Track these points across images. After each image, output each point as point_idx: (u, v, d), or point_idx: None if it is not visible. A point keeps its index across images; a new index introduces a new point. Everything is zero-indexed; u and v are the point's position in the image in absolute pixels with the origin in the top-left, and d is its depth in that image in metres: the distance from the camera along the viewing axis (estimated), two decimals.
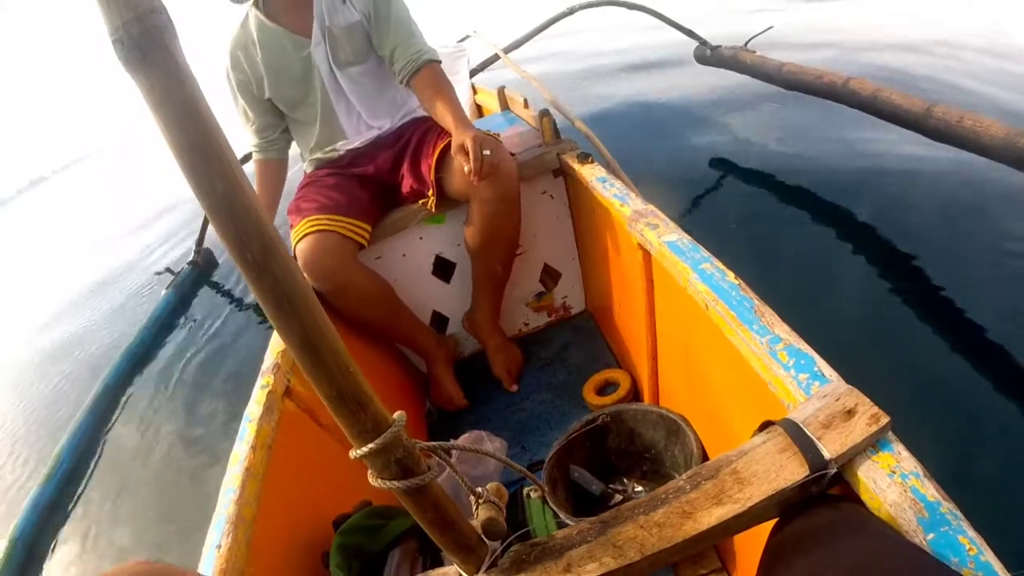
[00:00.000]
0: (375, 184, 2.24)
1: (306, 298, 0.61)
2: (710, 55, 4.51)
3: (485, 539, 0.84)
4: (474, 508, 0.85)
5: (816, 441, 0.85)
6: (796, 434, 0.87)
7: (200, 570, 1.09)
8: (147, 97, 0.53)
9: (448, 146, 2.01)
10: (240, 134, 2.10)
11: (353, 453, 0.69)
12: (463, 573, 0.85)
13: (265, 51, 2.07)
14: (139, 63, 0.52)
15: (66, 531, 3.04)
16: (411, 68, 2.09)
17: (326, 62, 2.10)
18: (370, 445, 0.67)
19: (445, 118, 2.01)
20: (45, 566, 2.86)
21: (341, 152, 2.25)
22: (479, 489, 0.86)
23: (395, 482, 0.70)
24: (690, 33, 4.61)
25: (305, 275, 1.86)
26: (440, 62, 2.14)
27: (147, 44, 0.52)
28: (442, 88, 2.08)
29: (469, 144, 1.83)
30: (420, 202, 2.20)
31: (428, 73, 2.09)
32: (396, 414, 0.70)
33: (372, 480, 0.72)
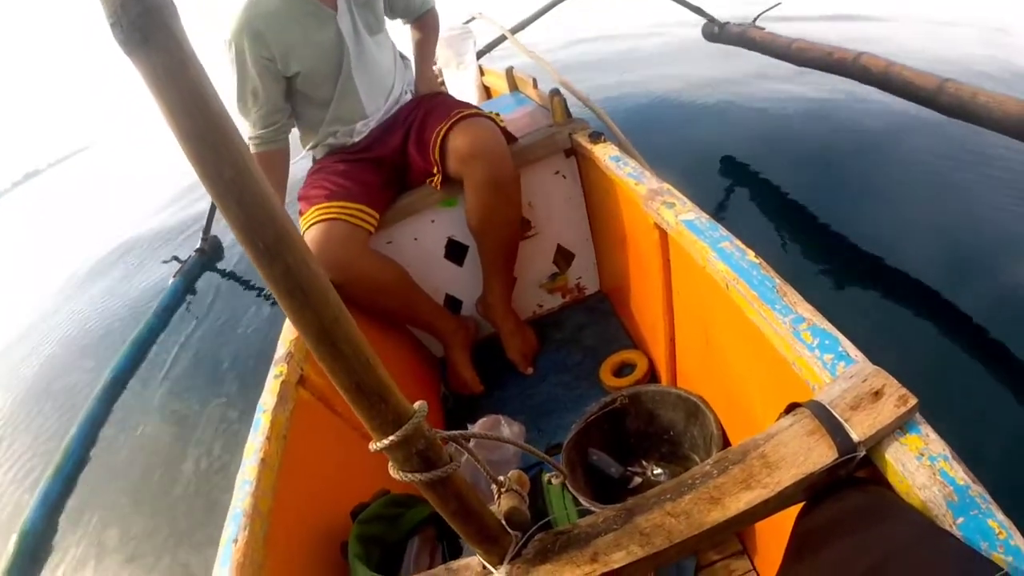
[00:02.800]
0: (387, 168, 2.21)
1: (322, 287, 0.59)
2: (718, 32, 4.44)
3: (508, 529, 0.82)
4: (496, 497, 0.83)
5: (844, 423, 0.83)
6: (824, 416, 0.85)
7: (217, 565, 1.08)
8: (149, 82, 0.50)
9: (448, 126, 2.06)
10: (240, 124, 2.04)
11: (373, 446, 0.67)
12: (487, 564, 0.83)
13: (295, 24, 1.99)
14: (140, 46, 0.49)
15: (76, 523, 3.04)
16: (423, 8, 2.38)
17: (352, 32, 2.08)
18: (391, 438, 0.65)
19: (427, 60, 2.47)
20: (56, 559, 2.86)
21: (361, 132, 2.22)
22: (501, 477, 0.84)
23: (417, 475, 0.69)
24: (698, 10, 4.54)
25: None
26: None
27: (147, 25, 0.49)
28: (435, 35, 2.50)
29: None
30: (428, 180, 2.18)
31: (432, 16, 2.45)
32: (417, 404, 0.68)
33: (394, 473, 0.70)
